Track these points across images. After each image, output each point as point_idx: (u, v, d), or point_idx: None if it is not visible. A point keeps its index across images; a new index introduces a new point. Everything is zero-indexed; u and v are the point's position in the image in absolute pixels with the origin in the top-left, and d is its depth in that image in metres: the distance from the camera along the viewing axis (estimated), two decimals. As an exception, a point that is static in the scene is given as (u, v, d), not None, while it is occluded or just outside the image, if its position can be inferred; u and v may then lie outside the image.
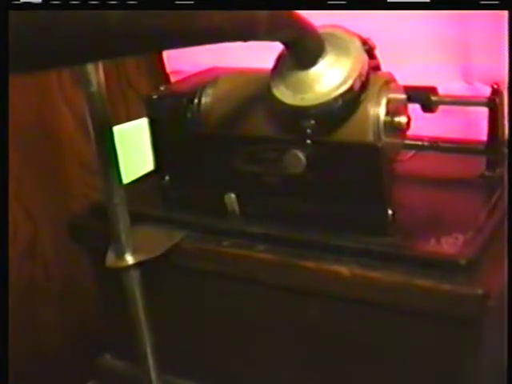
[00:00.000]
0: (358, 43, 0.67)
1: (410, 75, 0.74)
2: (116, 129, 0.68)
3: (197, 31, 0.51)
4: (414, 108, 0.73)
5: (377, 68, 0.73)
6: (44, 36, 0.39)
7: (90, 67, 0.62)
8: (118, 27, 0.45)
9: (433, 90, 0.74)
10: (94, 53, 0.46)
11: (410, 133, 0.72)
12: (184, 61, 1.04)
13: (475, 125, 0.82)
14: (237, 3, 0.53)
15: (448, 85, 0.81)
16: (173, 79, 1.07)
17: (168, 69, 1.08)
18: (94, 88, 0.63)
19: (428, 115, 0.74)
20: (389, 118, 0.66)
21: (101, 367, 0.84)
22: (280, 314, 0.67)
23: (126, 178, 0.73)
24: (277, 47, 0.66)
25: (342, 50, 0.66)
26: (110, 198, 0.66)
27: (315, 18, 0.62)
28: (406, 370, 0.62)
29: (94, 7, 0.44)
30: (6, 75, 0.51)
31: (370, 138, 0.64)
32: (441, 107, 0.74)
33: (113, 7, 0.45)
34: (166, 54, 1.08)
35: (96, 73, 0.62)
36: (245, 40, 0.56)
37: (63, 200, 1.06)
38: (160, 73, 1.09)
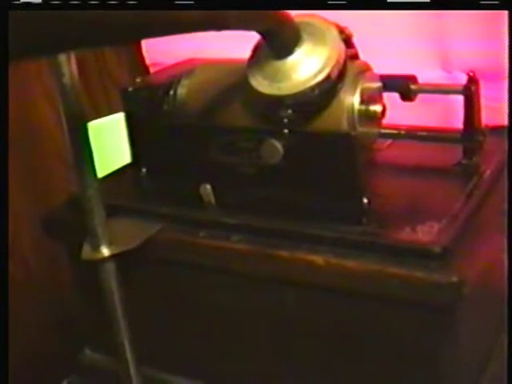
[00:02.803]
0: (334, 32, 0.67)
1: (388, 64, 0.74)
2: (92, 124, 0.68)
3: (166, 21, 0.51)
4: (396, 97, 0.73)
5: (355, 57, 0.73)
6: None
7: (61, 58, 0.61)
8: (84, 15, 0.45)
9: (412, 79, 0.74)
10: (63, 43, 0.46)
11: (389, 121, 0.72)
12: (163, 53, 1.03)
13: (456, 113, 0.83)
14: (235, 3, 0.53)
15: (427, 74, 0.81)
16: (152, 71, 1.07)
17: (147, 61, 1.08)
18: (67, 79, 0.62)
19: (410, 104, 0.74)
20: (363, 107, 0.66)
21: (81, 362, 0.84)
22: (256, 304, 0.67)
23: (102, 172, 0.73)
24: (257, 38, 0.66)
25: (319, 39, 0.66)
26: (84, 192, 0.65)
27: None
28: (382, 358, 0.62)
29: (94, 7, 0.44)
30: (6, 76, 0.51)
31: (345, 126, 0.64)
32: (421, 96, 0.74)
33: (113, 7, 0.45)
34: (145, 46, 1.08)
35: (68, 63, 0.62)
36: (218, 29, 0.56)
37: (43, 196, 1.06)
38: (140, 65, 1.09)
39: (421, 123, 0.77)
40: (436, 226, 0.60)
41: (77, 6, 0.44)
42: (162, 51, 1.04)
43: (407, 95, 0.74)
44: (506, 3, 0.58)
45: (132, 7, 0.46)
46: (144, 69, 1.08)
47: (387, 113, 0.71)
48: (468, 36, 0.86)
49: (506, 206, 0.65)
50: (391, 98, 0.73)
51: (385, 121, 0.71)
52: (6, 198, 0.59)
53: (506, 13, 0.62)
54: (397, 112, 0.73)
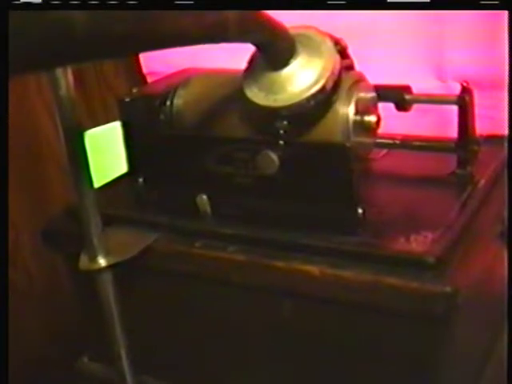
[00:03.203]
0: (329, 43, 0.67)
1: (383, 74, 0.75)
2: (88, 133, 0.68)
3: (165, 35, 0.51)
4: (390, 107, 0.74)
5: (350, 67, 0.73)
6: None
7: (58, 70, 0.62)
8: (83, 32, 0.45)
9: (406, 89, 0.74)
10: (58, 58, 0.46)
11: (384, 131, 0.73)
12: (160, 62, 1.04)
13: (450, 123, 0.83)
14: (234, 4, 0.53)
15: (422, 84, 0.82)
16: (149, 80, 1.08)
17: (144, 70, 1.09)
18: (63, 91, 0.63)
19: (405, 114, 0.75)
20: (358, 118, 0.66)
21: (79, 370, 0.84)
22: (253, 314, 0.67)
23: (99, 182, 0.73)
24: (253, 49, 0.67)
25: (314, 50, 0.66)
26: (81, 202, 0.66)
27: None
28: (377, 368, 0.62)
29: (94, 7, 0.44)
30: (6, 76, 0.51)
31: (340, 137, 0.65)
32: (416, 106, 0.74)
33: (113, 7, 0.45)
34: (142, 55, 1.08)
35: (64, 76, 0.62)
36: (215, 42, 0.57)
37: (43, 205, 1.06)
38: (137, 74, 1.10)
39: (417, 132, 0.77)
40: (430, 236, 0.61)
41: (77, 6, 0.44)
42: (159, 60, 1.05)
43: (402, 105, 0.74)
44: (506, 3, 0.58)
45: (132, 7, 0.47)
46: (141, 78, 1.09)
47: (382, 122, 0.71)
48: (462, 45, 0.86)
49: (506, 209, 0.66)
50: (387, 107, 0.73)
51: (381, 130, 0.72)
52: (7, 207, 0.59)
53: (505, 13, 0.62)
54: (392, 121, 0.73)
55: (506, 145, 0.71)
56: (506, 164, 0.69)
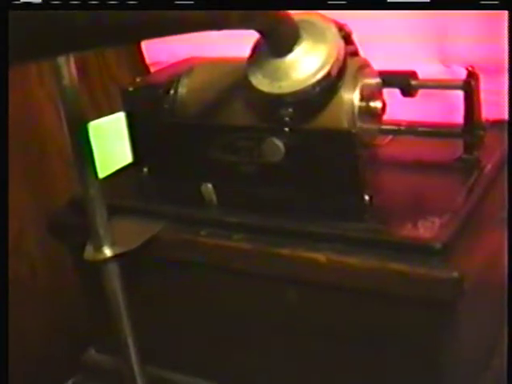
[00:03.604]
0: (334, 29, 0.67)
1: (387, 59, 0.74)
2: (92, 124, 0.68)
3: (166, 22, 0.51)
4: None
5: (355, 54, 0.73)
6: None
7: (61, 60, 0.62)
8: (84, 20, 0.45)
9: (412, 75, 0.74)
10: (58, 46, 0.46)
11: (390, 117, 0.72)
12: (163, 52, 1.04)
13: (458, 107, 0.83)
14: (235, 3, 0.53)
15: (426, 68, 0.81)
16: (152, 70, 1.07)
17: (148, 60, 1.08)
18: (66, 81, 0.63)
19: (412, 99, 0.74)
20: (363, 104, 0.66)
21: (85, 362, 0.84)
22: (259, 302, 0.67)
23: (103, 172, 0.73)
24: (256, 36, 0.66)
25: (318, 36, 0.66)
26: (86, 192, 0.65)
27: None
28: (383, 354, 0.62)
29: (94, 7, 0.44)
30: (6, 75, 0.51)
31: (345, 123, 0.64)
32: (422, 92, 0.74)
33: (113, 7, 0.45)
34: (144, 45, 1.08)
35: (67, 65, 0.62)
36: (219, 29, 0.56)
37: (48, 196, 1.06)
38: (140, 65, 1.09)
39: (423, 118, 0.77)
40: (437, 222, 0.60)
41: (77, 6, 0.44)
42: (162, 50, 1.04)
43: (408, 91, 0.74)
44: (506, 3, 0.58)
45: (132, 7, 0.47)
46: (144, 68, 1.08)
47: (388, 108, 0.71)
48: (466, 30, 0.85)
49: (506, 204, 0.66)
50: (392, 93, 0.73)
51: (386, 116, 0.71)
52: (6, 200, 0.59)
53: (505, 13, 0.62)
54: (398, 106, 0.73)
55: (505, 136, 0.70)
56: (507, 163, 0.69)
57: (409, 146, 0.76)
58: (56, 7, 0.44)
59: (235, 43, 0.70)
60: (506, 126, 0.76)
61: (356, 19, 0.70)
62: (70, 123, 0.64)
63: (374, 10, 0.64)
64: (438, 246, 0.58)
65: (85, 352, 0.85)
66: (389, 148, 0.76)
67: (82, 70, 1.04)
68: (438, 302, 0.58)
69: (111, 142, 0.79)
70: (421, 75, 0.74)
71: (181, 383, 0.76)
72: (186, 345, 0.74)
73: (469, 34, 0.85)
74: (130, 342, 0.68)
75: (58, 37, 0.44)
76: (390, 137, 0.77)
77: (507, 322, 0.60)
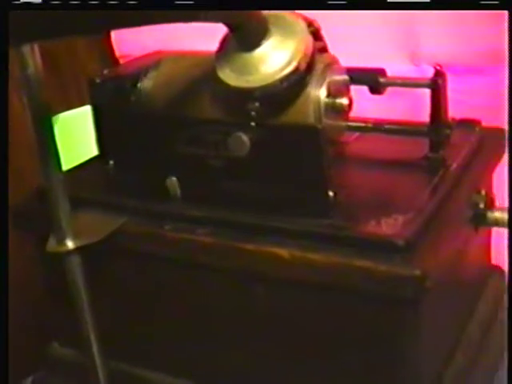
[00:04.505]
0: (302, 25, 0.67)
1: (357, 57, 0.74)
2: (58, 116, 0.68)
3: (134, 13, 0.50)
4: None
5: (323, 50, 0.73)
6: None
7: (25, 49, 0.61)
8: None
9: (381, 72, 0.74)
10: (23, 35, 0.45)
11: (360, 115, 0.72)
12: (133, 45, 1.03)
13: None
14: (234, 4, 0.53)
15: (396, 67, 0.82)
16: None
17: (117, 53, 1.08)
18: (31, 70, 0.62)
19: (379, 97, 0.74)
20: (330, 100, 0.65)
21: (49, 356, 0.83)
22: (222, 297, 0.67)
23: (68, 164, 0.72)
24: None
25: (287, 31, 0.66)
26: (49, 184, 0.65)
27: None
28: (346, 350, 0.62)
29: (94, 7, 0.44)
30: (6, 75, 0.50)
31: (311, 119, 0.64)
32: (392, 90, 0.74)
33: (113, 7, 0.45)
34: (114, 37, 1.07)
35: (32, 54, 0.61)
36: (186, 21, 0.56)
37: (15, 190, 1.05)
38: (110, 58, 1.08)
39: (393, 117, 0.77)
40: (400, 219, 0.60)
41: (77, 6, 0.44)
42: (132, 43, 1.04)
43: (376, 88, 0.74)
44: (506, 3, 0.58)
45: (132, 7, 0.46)
46: (114, 61, 1.08)
47: (357, 106, 0.71)
48: (436, 29, 0.86)
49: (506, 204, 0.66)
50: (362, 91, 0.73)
51: (355, 114, 0.71)
52: (6, 198, 0.59)
53: (505, 13, 0.62)
54: (368, 105, 0.73)
55: (506, 142, 0.71)
56: (507, 164, 0.69)
57: (375, 144, 0.76)
58: (56, 7, 0.43)
59: (207, 37, 0.70)
60: (472, 126, 0.77)
61: (327, 17, 0.70)
62: (34, 114, 0.63)
63: (374, 10, 0.64)
64: (400, 243, 0.58)
65: (48, 346, 0.84)
66: (355, 145, 0.76)
67: (52, 61, 1.03)
68: (400, 299, 0.58)
69: (78, 135, 0.79)
70: (392, 74, 0.74)
71: (143, 377, 0.75)
72: (149, 339, 0.74)
73: (439, 33, 0.86)
74: (92, 335, 0.68)
75: (23, 24, 0.44)
76: (357, 134, 0.77)
77: (508, 323, 0.61)
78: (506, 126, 0.66)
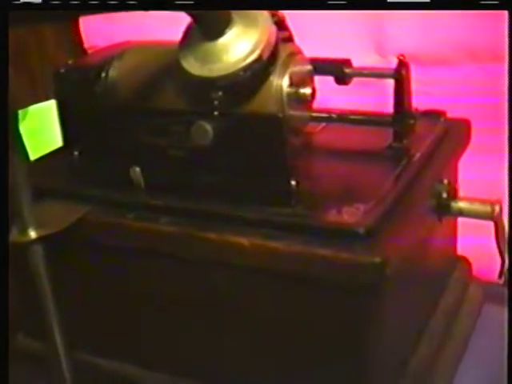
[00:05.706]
0: (266, 14, 0.66)
1: (324, 49, 0.74)
2: (25, 110, 0.67)
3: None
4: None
5: (288, 39, 0.73)
6: None
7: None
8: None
9: (346, 63, 0.74)
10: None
11: (324, 106, 0.73)
12: (101, 36, 1.03)
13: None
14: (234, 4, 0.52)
15: (362, 58, 0.82)
16: (90, 54, 1.06)
17: (86, 44, 1.07)
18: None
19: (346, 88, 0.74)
20: (293, 90, 0.65)
21: (13, 347, 0.83)
22: (186, 285, 0.67)
23: (33, 155, 0.72)
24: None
25: (250, 20, 0.65)
26: (11, 174, 0.64)
27: None
28: (307, 338, 0.63)
29: (94, 7, 0.44)
30: (7, 74, 0.50)
31: (273, 108, 0.64)
32: (359, 81, 0.74)
33: (113, 7, 0.45)
34: (83, 29, 1.06)
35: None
36: (146, 9, 0.56)
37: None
38: (80, 48, 1.08)
39: (360, 107, 0.77)
40: (362, 208, 0.61)
41: (77, 6, 0.43)
42: (101, 34, 1.03)
43: (342, 79, 0.74)
44: (506, 3, 0.58)
45: (132, 7, 0.46)
46: (83, 52, 1.07)
47: (324, 97, 0.71)
48: (402, 21, 0.86)
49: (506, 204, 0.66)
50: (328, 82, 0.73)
51: (323, 105, 0.72)
52: (6, 197, 0.58)
53: (505, 13, 0.62)
54: (337, 96, 0.73)
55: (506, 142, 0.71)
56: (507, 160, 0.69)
57: (341, 134, 0.76)
58: (56, 7, 0.43)
59: (178, 28, 0.70)
60: (436, 116, 0.77)
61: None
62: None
63: (374, 10, 0.64)
64: (361, 231, 0.58)
65: (12, 337, 0.83)
66: (320, 135, 0.76)
67: (20, 51, 1.02)
68: (361, 286, 0.58)
69: (43, 127, 0.78)
70: (357, 65, 0.74)
71: (108, 368, 0.75)
72: (113, 329, 0.74)
73: (404, 24, 0.86)
74: (56, 325, 0.67)
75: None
76: (323, 124, 0.77)
77: (507, 323, 0.61)
78: (506, 126, 0.66)
